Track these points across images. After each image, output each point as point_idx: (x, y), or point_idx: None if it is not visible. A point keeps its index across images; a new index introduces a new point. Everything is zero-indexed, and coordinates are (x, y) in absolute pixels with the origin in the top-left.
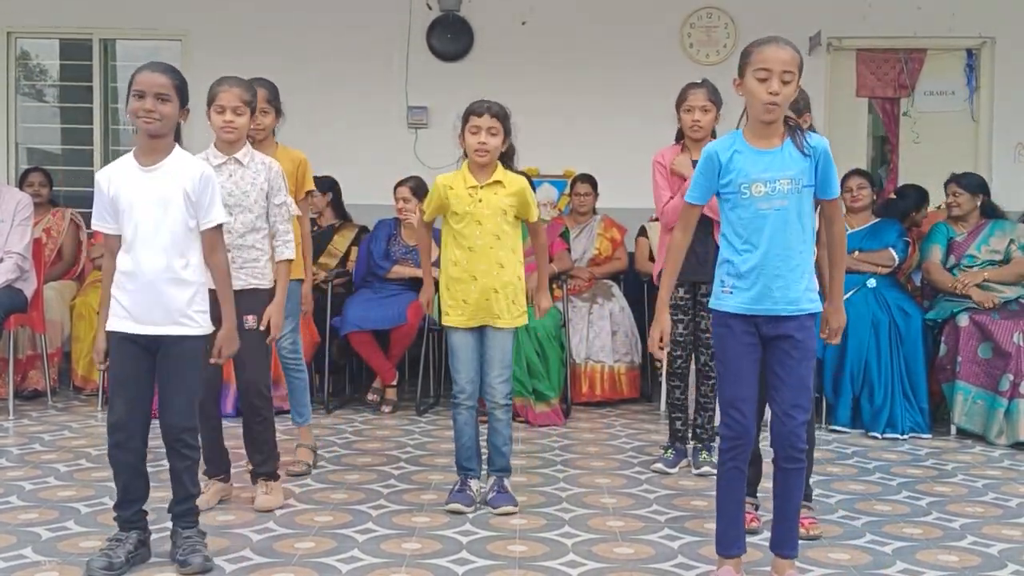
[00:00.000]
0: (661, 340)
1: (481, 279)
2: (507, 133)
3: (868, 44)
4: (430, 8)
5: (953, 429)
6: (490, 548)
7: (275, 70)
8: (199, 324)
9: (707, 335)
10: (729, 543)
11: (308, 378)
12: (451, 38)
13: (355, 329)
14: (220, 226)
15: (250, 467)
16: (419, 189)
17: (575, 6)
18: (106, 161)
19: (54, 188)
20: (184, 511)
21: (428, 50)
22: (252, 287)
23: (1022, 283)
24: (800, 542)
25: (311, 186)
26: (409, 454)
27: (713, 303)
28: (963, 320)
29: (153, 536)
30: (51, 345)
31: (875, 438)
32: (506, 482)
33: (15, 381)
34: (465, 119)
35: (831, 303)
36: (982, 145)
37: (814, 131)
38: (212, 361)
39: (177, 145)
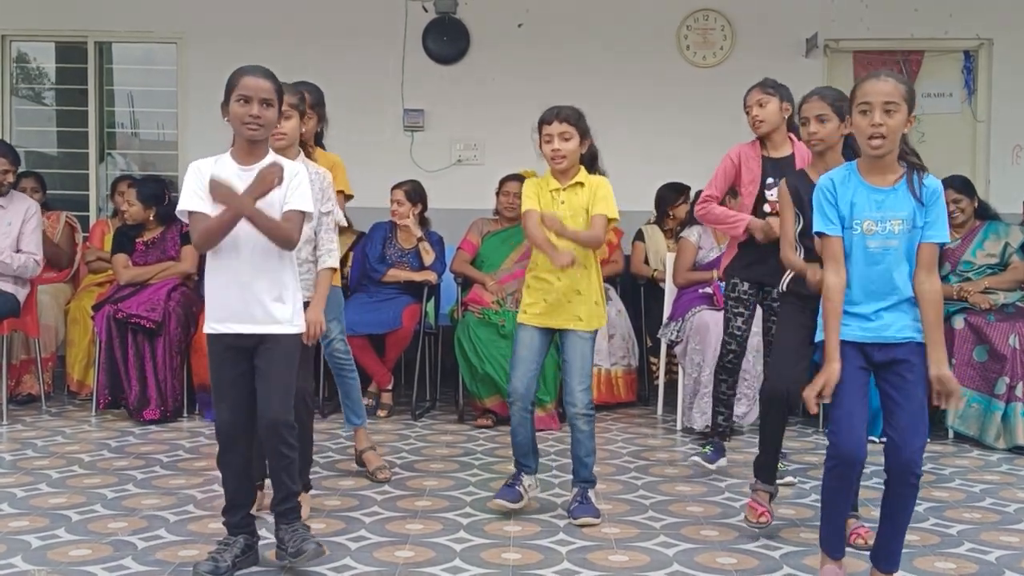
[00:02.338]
0: (822, 392)
1: (565, 280)
2: (583, 134)
3: (865, 46)
4: (426, 10)
5: (950, 433)
6: (484, 556)
7: None
8: (295, 324)
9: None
10: (833, 547)
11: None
12: (447, 40)
13: (350, 333)
14: (302, 214)
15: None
16: (414, 193)
17: (571, 9)
18: (100, 161)
19: (49, 192)
20: (286, 510)
21: (424, 52)
22: (305, 299)
23: (1019, 287)
24: (848, 549)
25: (344, 187)
26: (404, 459)
27: (821, 336)
28: (958, 322)
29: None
30: (45, 350)
31: (872, 442)
32: (590, 493)
33: (9, 386)
34: (539, 129)
35: (932, 359)
36: (980, 147)
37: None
38: (307, 342)
39: (271, 150)
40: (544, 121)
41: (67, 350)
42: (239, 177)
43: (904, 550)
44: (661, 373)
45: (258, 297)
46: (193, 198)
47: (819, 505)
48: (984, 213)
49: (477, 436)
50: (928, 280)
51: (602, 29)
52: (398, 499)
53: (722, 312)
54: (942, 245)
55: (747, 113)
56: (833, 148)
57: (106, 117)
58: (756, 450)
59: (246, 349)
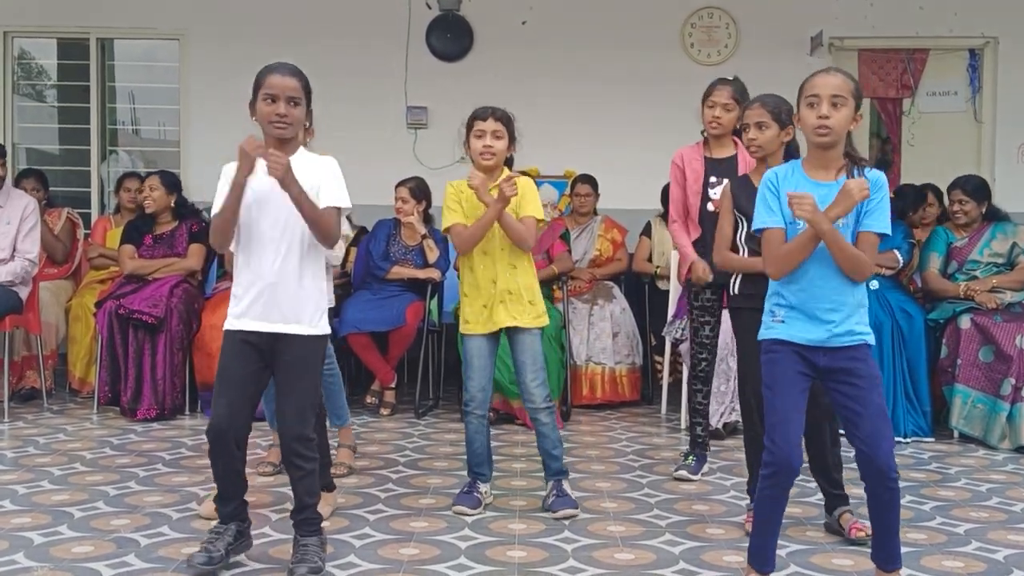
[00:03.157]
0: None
1: (497, 282)
2: (512, 138)
3: (870, 44)
4: (430, 8)
5: (956, 433)
6: (489, 554)
7: None
8: (317, 326)
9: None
10: (763, 560)
11: (342, 380)
12: (451, 38)
13: (353, 331)
14: (339, 210)
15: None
16: (418, 190)
17: (575, 6)
18: (103, 160)
19: (51, 188)
20: (302, 520)
21: (428, 50)
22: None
23: None
24: (853, 546)
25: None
26: (408, 457)
27: (763, 334)
28: (964, 322)
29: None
30: (46, 347)
31: None
32: (565, 484)
33: (11, 382)
34: (469, 125)
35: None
36: (985, 146)
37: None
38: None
39: (302, 145)
40: (477, 117)
41: (69, 347)
42: (267, 174)
43: (911, 549)
44: (665, 372)
45: (279, 297)
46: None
47: (823, 503)
48: (993, 216)
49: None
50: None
51: (606, 27)
52: (402, 497)
53: (726, 311)
54: (883, 236)
55: (708, 107)
56: (774, 155)
57: (108, 114)
58: None
59: (260, 349)
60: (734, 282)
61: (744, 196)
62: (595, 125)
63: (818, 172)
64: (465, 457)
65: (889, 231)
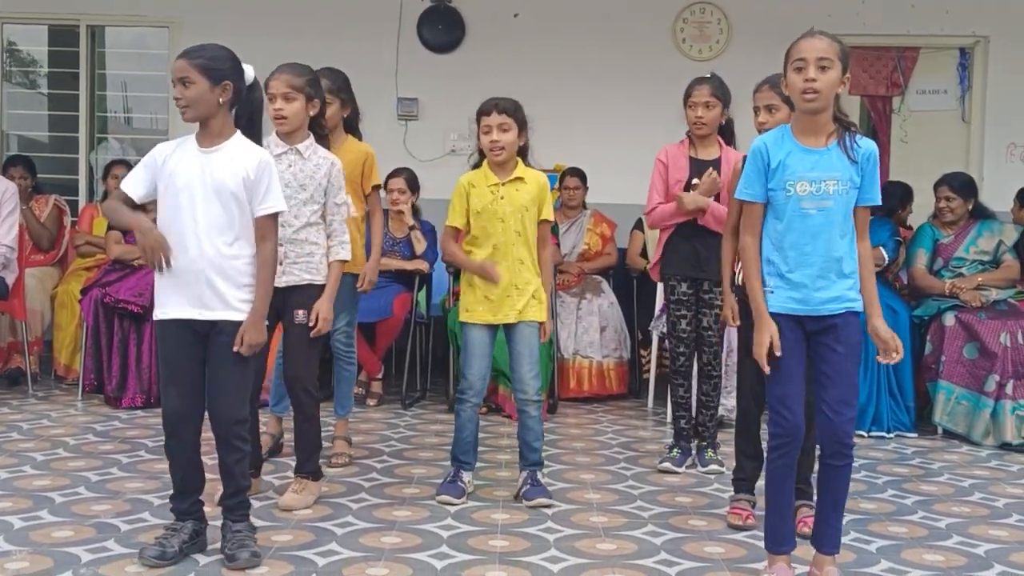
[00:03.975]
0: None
1: (505, 276)
2: (521, 126)
3: (861, 42)
4: None
5: (939, 430)
6: (471, 543)
7: (263, 59)
8: (246, 312)
9: (710, 333)
10: (780, 540)
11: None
12: (442, 29)
13: None
14: (276, 216)
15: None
16: (412, 181)
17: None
18: (92, 149)
19: (39, 176)
20: (235, 504)
21: (419, 41)
22: (306, 282)
23: (1011, 285)
24: (801, 540)
25: (377, 180)
26: (393, 448)
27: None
28: (949, 319)
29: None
30: (31, 334)
31: (861, 436)
32: (539, 475)
33: None
34: (477, 121)
35: (871, 318)
36: (974, 144)
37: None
38: (235, 349)
39: (238, 131)
40: (483, 112)
41: (54, 334)
42: (199, 159)
43: (892, 542)
44: (652, 366)
45: (211, 283)
46: (137, 183)
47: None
48: (980, 213)
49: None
50: (862, 246)
51: (598, 21)
52: (386, 486)
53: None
54: (905, 196)
55: (689, 108)
56: (713, 133)
57: (97, 102)
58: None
59: (197, 333)
60: (738, 274)
61: None
62: (586, 119)
63: (808, 138)
64: (451, 448)
65: (880, 201)
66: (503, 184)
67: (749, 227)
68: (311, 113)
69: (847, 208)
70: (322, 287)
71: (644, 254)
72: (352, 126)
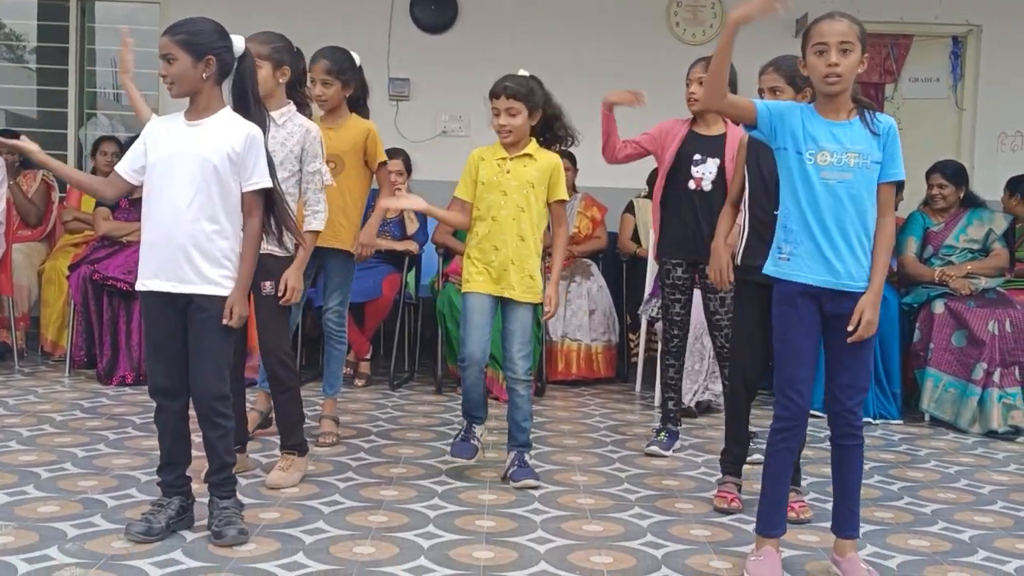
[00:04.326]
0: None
1: (503, 249)
2: (533, 108)
3: None
4: None
5: (926, 417)
6: (457, 523)
7: None
8: (226, 288)
9: (718, 316)
10: (773, 524)
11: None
12: (435, 9)
13: None
14: (262, 191)
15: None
16: (407, 163)
17: None
18: (81, 124)
19: None
20: (220, 481)
21: (411, 21)
22: (267, 251)
23: (1000, 273)
24: (789, 525)
25: (383, 156)
26: (380, 428)
27: (768, 268)
28: (938, 307)
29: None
30: (18, 309)
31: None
32: (526, 456)
33: None
34: (490, 99)
35: (869, 292)
36: (965, 133)
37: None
38: (224, 322)
39: (227, 106)
40: (492, 94)
41: (41, 311)
42: (185, 133)
43: (878, 527)
44: (640, 350)
45: (189, 257)
46: (125, 156)
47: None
48: (971, 202)
49: (454, 407)
50: (885, 222)
51: (592, 3)
52: (373, 466)
53: (696, 290)
54: (900, 184)
55: (686, 85)
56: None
57: (87, 77)
58: None
59: (178, 308)
60: (737, 253)
61: (764, 151)
62: (579, 101)
63: (829, 115)
64: (440, 428)
65: (904, 176)
66: (511, 159)
67: (736, 98)
68: (280, 80)
69: (869, 185)
70: (286, 257)
71: (636, 238)
72: (357, 104)
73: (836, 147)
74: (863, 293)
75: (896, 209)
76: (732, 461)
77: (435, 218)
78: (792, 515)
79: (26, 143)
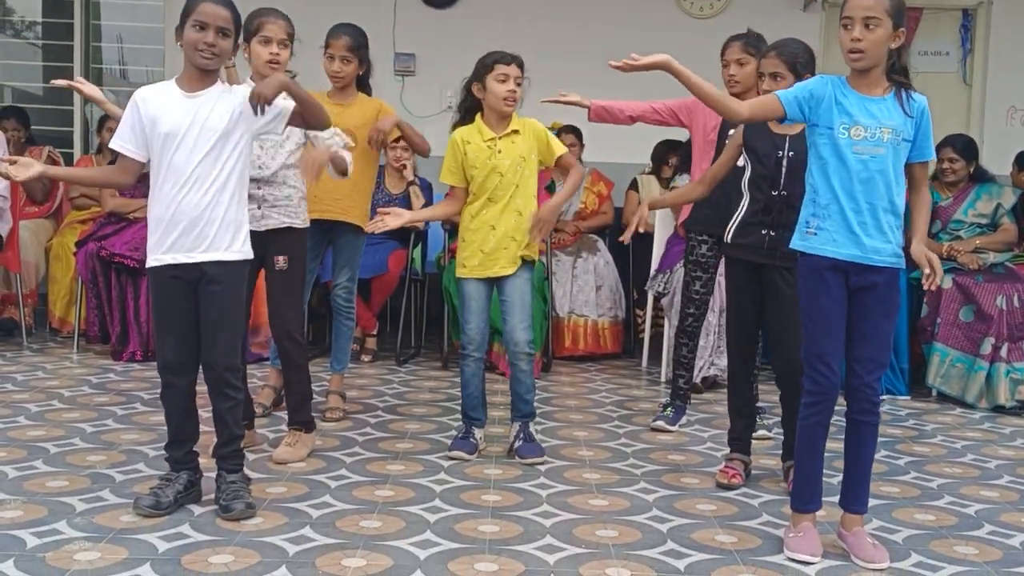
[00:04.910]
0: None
1: (500, 228)
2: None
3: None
4: None
5: (933, 392)
6: (464, 497)
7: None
8: (240, 251)
9: None
10: (808, 498)
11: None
12: None
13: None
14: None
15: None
16: None
17: None
18: (87, 101)
19: (33, 127)
20: (228, 453)
21: None
22: (285, 225)
23: (1008, 248)
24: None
25: (394, 135)
26: (387, 403)
27: (795, 243)
28: (946, 282)
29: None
30: (26, 286)
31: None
32: (531, 427)
33: None
34: (490, 67)
35: (917, 243)
36: (975, 107)
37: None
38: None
39: (220, 80)
40: (501, 61)
41: (49, 287)
42: (185, 105)
43: (884, 502)
44: (647, 325)
45: (201, 227)
46: (123, 134)
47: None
48: (980, 176)
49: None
50: (923, 192)
51: None
52: (379, 441)
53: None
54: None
55: (724, 67)
56: (751, 89)
57: (92, 53)
58: None
59: (189, 282)
60: (729, 230)
61: (756, 134)
62: (585, 77)
63: (863, 89)
64: (446, 404)
65: (934, 156)
66: (499, 138)
67: (756, 104)
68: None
69: (898, 161)
70: (301, 230)
71: None
72: (363, 84)
73: (871, 121)
74: (888, 268)
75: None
76: (736, 437)
77: (429, 220)
78: (724, 480)
79: (86, 86)
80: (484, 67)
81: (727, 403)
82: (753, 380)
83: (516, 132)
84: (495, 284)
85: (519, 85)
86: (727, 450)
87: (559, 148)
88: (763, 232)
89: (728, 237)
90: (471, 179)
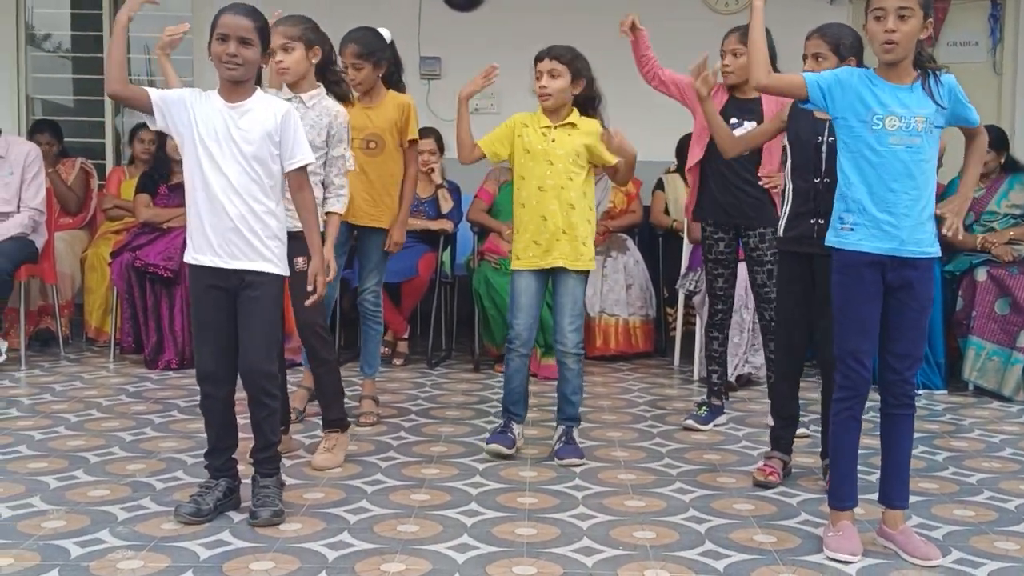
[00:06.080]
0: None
1: (551, 219)
2: (576, 74)
3: None
4: None
5: (970, 386)
6: (500, 500)
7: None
8: (277, 265)
9: (766, 289)
10: (844, 496)
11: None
12: None
13: None
14: (305, 167)
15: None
16: (439, 141)
17: None
18: (117, 112)
19: (66, 139)
20: (264, 458)
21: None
22: (300, 229)
23: None
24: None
25: (414, 134)
26: (420, 407)
27: (830, 239)
28: (981, 274)
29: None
30: (62, 297)
31: None
32: (574, 432)
33: (26, 331)
34: (534, 64)
35: (960, 192)
36: (1005, 97)
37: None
38: (309, 289)
39: (258, 88)
40: (537, 58)
41: (85, 297)
42: (224, 115)
43: (923, 498)
44: (679, 324)
45: (242, 235)
46: (166, 97)
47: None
48: (1012, 167)
49: (493, 384)
50: (980, 138)
51: None
52: (414, 445)
53: (742, 262)
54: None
55: (721, 57)
56: (745, 81)
57: None
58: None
59: (228, 290)
60: (780, 224)
61: (798, 118)
62: (611, 76)
63: (892, 79)
64: (479, 407)
65: (978, 121)
66: (555, 127)
67: (778, 78)
68: (312, 61)
69: (932, 150)
70: (319, 236)
71: (668, 212)
72: (392, 81)
73: (904, 111)
74: (927, 259)
75: (939, 168)
76: (776, 436)
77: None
78: (761, 477)
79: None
80: (533, 67)
81: (770, 402)
82: (797, 380)
83: (573, 126)
84: (550, 278)
85: (556, 77)
86: (767, 448)
87: (611, 158)
88: (811, 221)
89: (780, 231)
90: (522, 165)
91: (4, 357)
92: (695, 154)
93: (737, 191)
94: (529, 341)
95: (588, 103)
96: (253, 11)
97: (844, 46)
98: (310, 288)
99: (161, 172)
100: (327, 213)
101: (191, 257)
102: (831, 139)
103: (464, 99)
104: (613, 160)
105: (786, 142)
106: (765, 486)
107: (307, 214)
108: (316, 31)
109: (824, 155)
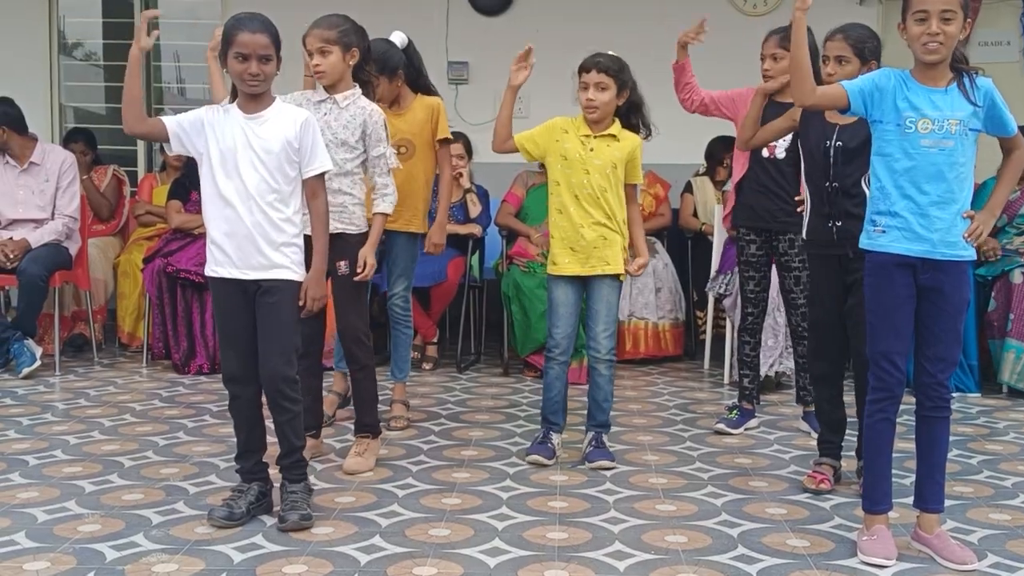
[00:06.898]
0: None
1: (588, 228)
2: (622, 86)
3: None
4: None
5: (1004, 388)
6: (530, 504)
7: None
8: (295, 271)
9: (793, 295)
10: (878, 499)
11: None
12: None
13: None
14: (323, 174)
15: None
16: (468, 146)
17: None
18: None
19: (99, 147)
20: (290, 464)
21: (469, 4)
22: (339, 231)
23: None
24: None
25: (445, 133)
26: (450, 411)
27: (864, 243)
28: (1017, 277)
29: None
30: (95, 302)
31: None
32: (604, 437)
33: (60, 336)
34: (579, 74)
35: (987, 208)
36: None
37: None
38: (300, 304)
39: (278, 98)
40: (583, 68)
41: (118, 303)
42: (243, 125)
43: (957, 502)
44: (708, 327)
45: (257, 244)
46: (180, 123)
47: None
48: None
49: (522, 388)
50: (1011, 157)
51: None
52: (444, 448)
53: (776, 267)
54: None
55: (761, 61)
56: (786, 85)
57: (153, 72)
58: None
59: (247, 296)
60: (803, 228)
61: (809, 121)
62: (640, 79)
63: (927, 82)
64: (509, 411)
65: (1015, 130)
66: (595, 136)
67: (825, 90)
68: (350, 63)
69: (967, 152)
70: (357, 236)
71: (696, 215)
72: (418, 85)
73: (937, 114)
74: (959, 263)
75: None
76: (828, 441)
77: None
78: (812, 486)
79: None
80: (577, 75)
81: (815, 408)
82: (837, 384)
83: (613, 137)
84: (586, 285)
85: (603, 90)
86: (798, 452)
87: (637, 178)
88: (829, 224)
89: (804, 233)
90: (560, 172)
91: (39, 363)
92: (737, 173)
93: (773, 196)
94: (568, 349)
95: (632, 110)
96: (267, 24)
97: (868, 49)
98: (301, 303)
99: (192, 178)
100: (375, 214)
101: (211, 270)
102: (838, 143)
103: (514, 88)
104: (641, 180)
105: (800, 146)
106: (816, 493)
107: (317, 222)
108: (354, 32)
109: (832, 159)
